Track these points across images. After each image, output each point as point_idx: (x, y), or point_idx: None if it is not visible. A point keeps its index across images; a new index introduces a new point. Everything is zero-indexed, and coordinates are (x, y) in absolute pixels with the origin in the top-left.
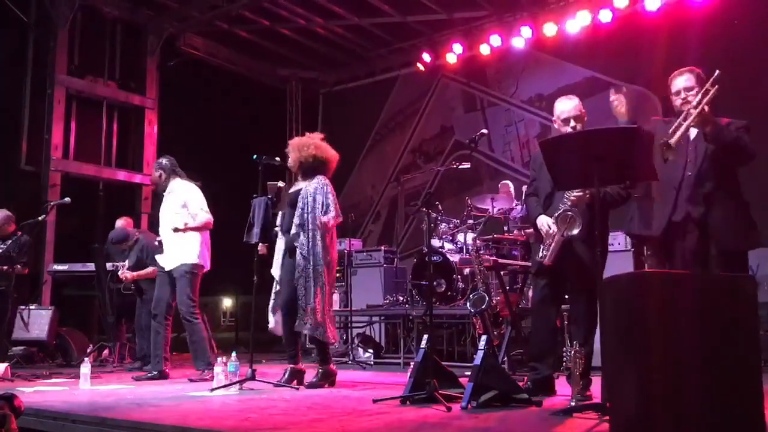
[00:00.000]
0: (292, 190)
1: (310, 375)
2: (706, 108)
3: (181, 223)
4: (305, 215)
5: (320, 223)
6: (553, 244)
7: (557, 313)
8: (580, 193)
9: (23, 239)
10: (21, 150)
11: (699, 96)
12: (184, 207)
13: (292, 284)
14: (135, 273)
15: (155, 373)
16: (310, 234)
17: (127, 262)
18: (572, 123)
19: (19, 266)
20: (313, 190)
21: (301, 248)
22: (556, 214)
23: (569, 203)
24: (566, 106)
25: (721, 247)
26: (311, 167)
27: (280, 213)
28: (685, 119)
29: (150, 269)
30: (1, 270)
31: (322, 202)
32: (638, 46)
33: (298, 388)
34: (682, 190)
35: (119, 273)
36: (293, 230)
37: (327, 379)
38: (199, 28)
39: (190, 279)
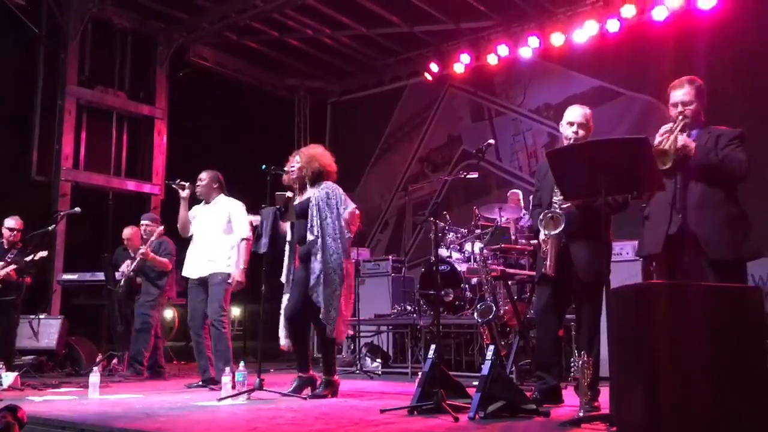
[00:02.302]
0: (299, 201)
1: None
2: (680, 136)
3: (234, 245)
4: (320, 221)
5: (349, 216)
6: (549, 252)
7: (559, 322)
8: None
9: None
10: (32, 160)
11: (675, 124)
12: (229, 222)
13: (302, 294)
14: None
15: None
16: (326, 240)
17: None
18: (574, 128)
19: (29, 279)
20: (325, 195)
21: (317, 255)
22: (540, 218)
23: (557, 207)
24: (573, 111)
25: (711, 257)
26: (313, 178)
27: (288, 224)
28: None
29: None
30: (12, 280)
31: (337, 202)
32: (646, 55)
33: (305, 398)
34: (676, 203)
35: (141, 251)
36: (309, 237)
37: (330, 388)
38: (208, 39)
39: (224, 288)
